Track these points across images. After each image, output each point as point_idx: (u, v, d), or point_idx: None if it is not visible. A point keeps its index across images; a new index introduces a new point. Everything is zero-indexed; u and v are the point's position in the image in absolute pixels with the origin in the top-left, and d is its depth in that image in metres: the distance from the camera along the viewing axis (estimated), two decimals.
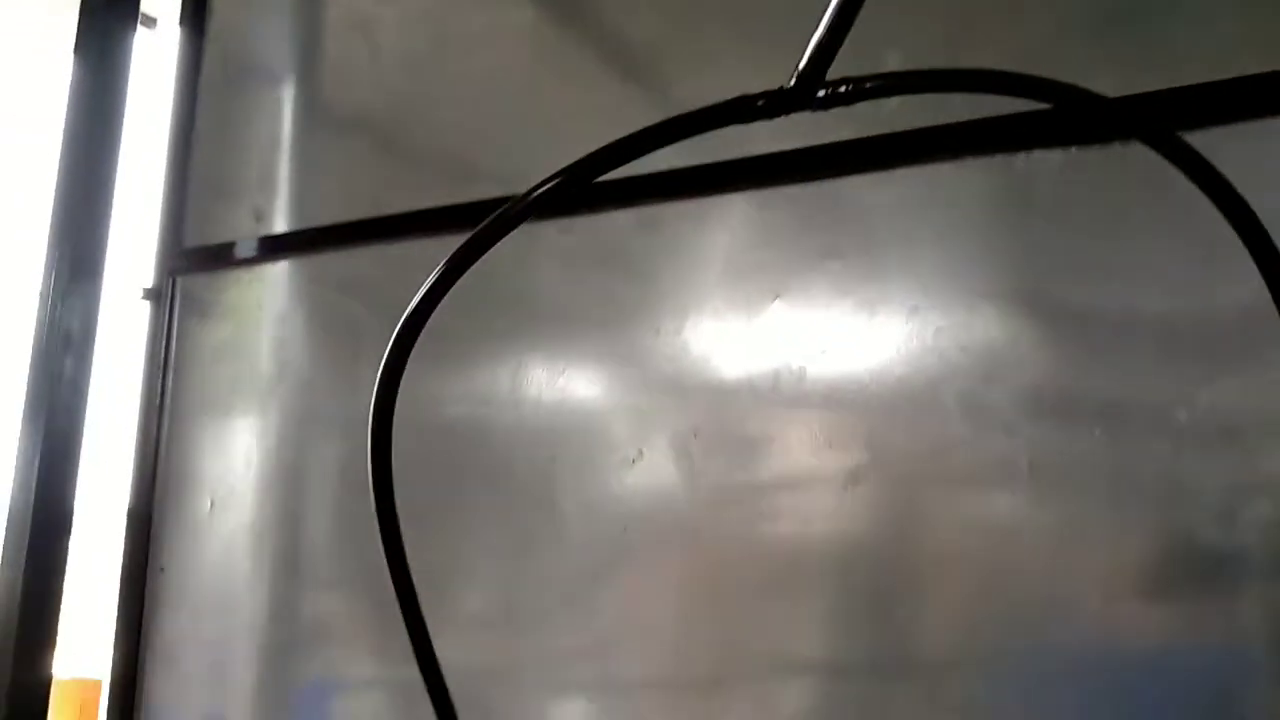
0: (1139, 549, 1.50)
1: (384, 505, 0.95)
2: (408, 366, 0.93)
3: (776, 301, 1.79)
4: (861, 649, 1.69)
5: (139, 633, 2.46)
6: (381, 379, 0.92)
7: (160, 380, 2.54)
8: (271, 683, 2.33)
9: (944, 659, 1.61)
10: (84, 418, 2.12)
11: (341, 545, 2.26)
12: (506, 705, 1.96)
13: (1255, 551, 1.41)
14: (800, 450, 1.74)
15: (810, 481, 1.72)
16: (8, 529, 2.08)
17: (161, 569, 2.46)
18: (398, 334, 0.94)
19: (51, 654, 2.13)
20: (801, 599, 1.71)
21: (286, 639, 2.33)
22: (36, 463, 2.05)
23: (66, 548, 2.12)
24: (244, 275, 2.51)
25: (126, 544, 2.48)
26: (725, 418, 1.80)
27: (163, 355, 2.55)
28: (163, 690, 2.44)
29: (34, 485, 2.04)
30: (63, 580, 2.16)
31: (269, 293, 2.47)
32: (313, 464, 2.33)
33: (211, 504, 2.43)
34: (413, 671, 2.10)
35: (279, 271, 2.48)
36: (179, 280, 2.58)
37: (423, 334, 2.25)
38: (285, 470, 2.36)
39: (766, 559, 1.74)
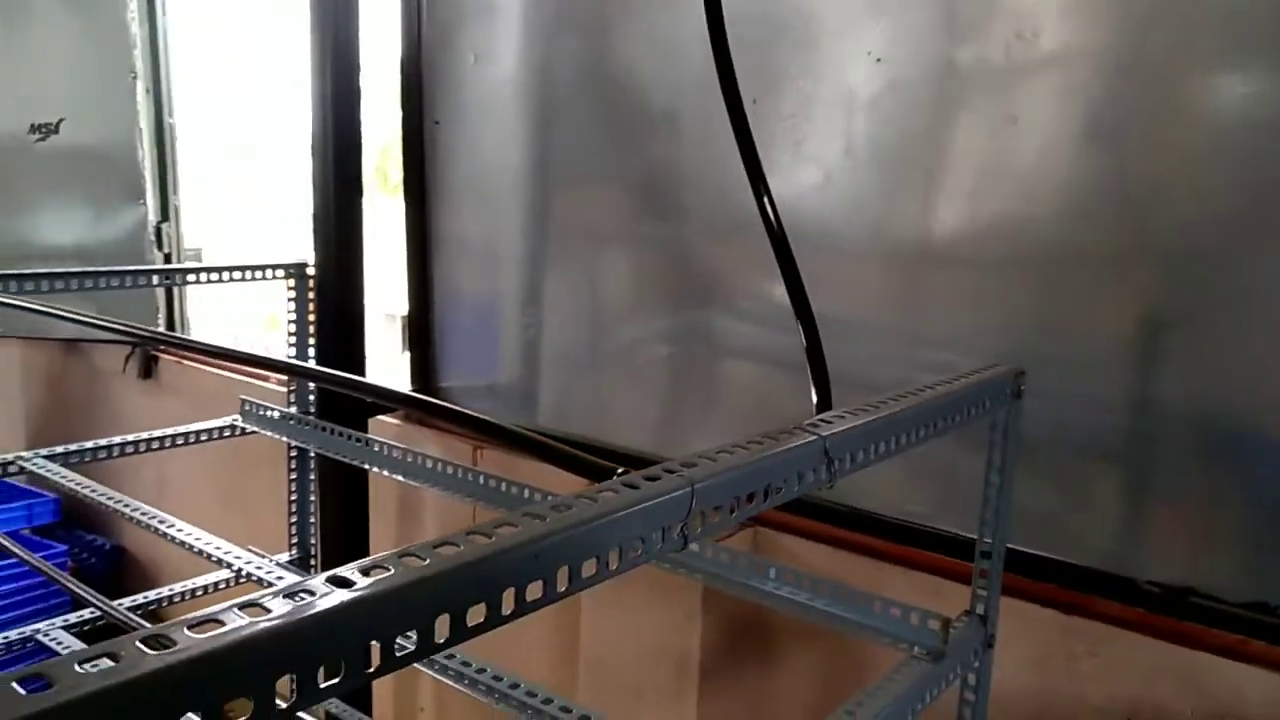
0: None
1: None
2: None
3: None
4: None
5: (423, 181, 2.77)
6: None
7: None
8: (532, 229, 2.61)
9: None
10: None
11: (595, 97, 2.41)
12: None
13: None
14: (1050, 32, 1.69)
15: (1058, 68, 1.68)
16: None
17: (436, 122, 2.71)
18: None
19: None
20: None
21: (545, 189, 2.58)
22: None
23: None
24: None
25: (403, 100, 2.72)
26: None
27: None
28: (446, 257, 2.79)
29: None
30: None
31: None
32: (569, 16, 2.42)
33: (474, 58, 2.61)
34: (653, 227, 2.33)
35: None
36: None
37: None
38: (542, 23, 2.47)
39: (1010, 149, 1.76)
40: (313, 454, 2.43)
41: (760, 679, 2.03)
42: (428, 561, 0.58)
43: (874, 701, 1.14)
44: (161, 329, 3.85)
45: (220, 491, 3.53)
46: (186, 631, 0.48)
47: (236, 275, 2.25)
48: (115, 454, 2.15)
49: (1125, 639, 1.62)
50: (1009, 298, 1.81)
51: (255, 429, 2.29)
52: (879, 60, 1.87)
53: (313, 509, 2.51)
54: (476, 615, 0.60)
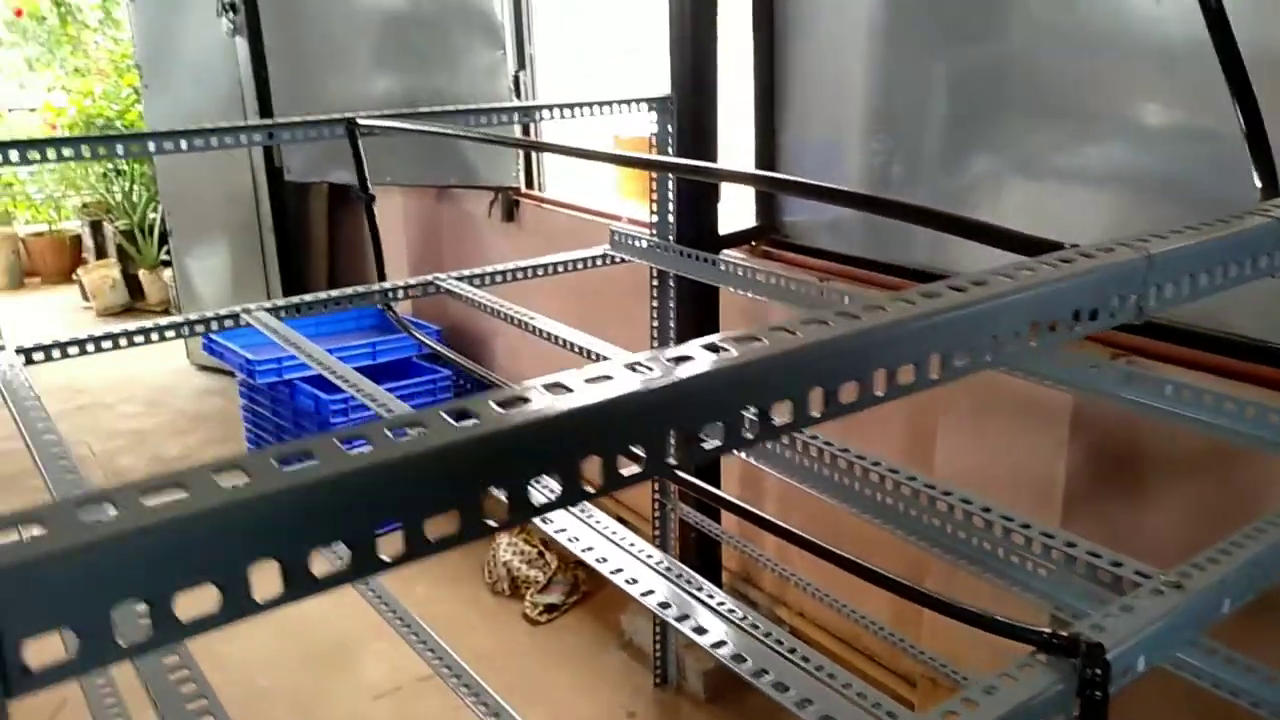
0: None
1: None
2: None
3: None
4: None
5: (771, 20, 2.75)
6: None
7: None
8: (882, 62, 2.52)
9: None
10: None
11: None
12: None
13: None
14: None
15: None
16: None
17: None
18: None
19: None
20: None
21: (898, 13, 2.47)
22: None
23: None
24: None
25: None
26: None
27: None
28: (792, 92, 2.76)
29: None
30: None
31: None
32: None
33: None
34: (1011, 48, 2.17)
35: None
36: None
37: None
38: None
39: None
40: (672, 281, 2.57)
41: (1132, 512, 1.96)
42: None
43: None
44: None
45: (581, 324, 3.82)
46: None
47: (605, 110, 2.37)
48: (505, 279, 2.38)
49: None
50: None
51: (624, 256, 2.45)
52: None
53: (671, 333, 2.67)
54: (908, 372, 0.63)
